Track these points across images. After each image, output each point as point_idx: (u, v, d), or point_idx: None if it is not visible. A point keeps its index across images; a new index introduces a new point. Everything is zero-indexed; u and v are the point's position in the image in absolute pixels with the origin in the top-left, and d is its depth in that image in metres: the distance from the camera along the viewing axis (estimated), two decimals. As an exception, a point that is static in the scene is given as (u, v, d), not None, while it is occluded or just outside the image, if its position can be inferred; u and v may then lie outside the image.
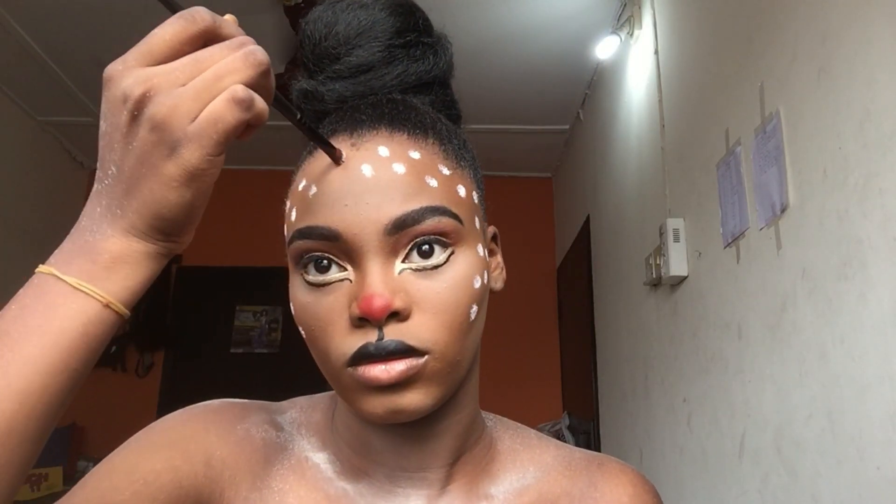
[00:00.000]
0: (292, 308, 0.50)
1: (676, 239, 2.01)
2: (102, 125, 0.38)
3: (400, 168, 0.47)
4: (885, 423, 1.07)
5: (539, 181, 4.31)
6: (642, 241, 2.39)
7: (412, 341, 0.45)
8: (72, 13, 2.78)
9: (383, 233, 0.45)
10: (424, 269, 0.46)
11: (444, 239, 0.46)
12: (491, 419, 0.59)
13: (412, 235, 0.46)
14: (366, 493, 0.52)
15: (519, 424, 0.60)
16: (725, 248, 1.70)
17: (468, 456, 0.54)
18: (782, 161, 1.41)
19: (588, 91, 3.32)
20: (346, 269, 0.46)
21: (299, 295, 0.49)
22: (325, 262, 0.47)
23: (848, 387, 1.18)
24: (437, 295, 0.46)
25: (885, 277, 1.09)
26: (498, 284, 0.54)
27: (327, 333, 0.46)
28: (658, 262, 2.12)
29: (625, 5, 2.67)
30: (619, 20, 2.71)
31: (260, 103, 0.37)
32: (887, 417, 1.07)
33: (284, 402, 0.58)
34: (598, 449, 2.97)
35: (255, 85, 0.37)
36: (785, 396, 1.40)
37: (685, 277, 2.00)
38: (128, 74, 0.36)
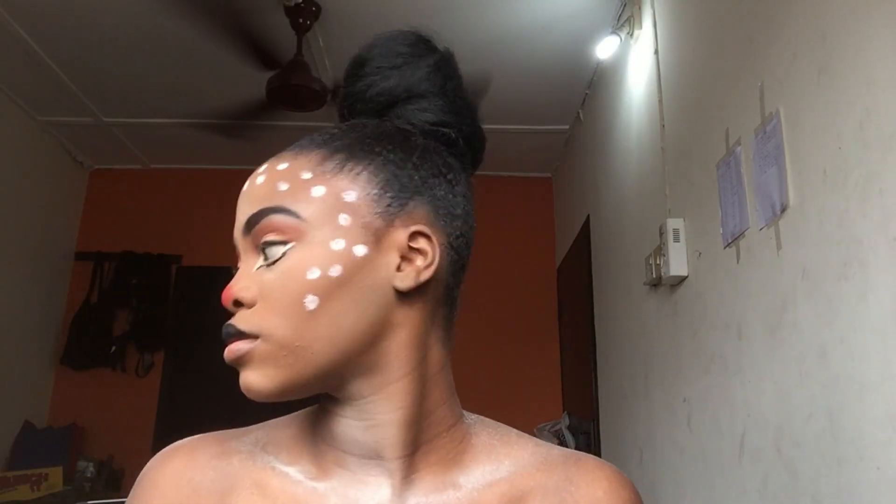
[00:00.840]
0: None
1: (676, 239, 2.01)
2: None
3: (260, 179, 0.55)
4: (885, 423, 1.07)
5: (539, 181, 4.31)
6: (642, 241, 2.39)
7: (242, 325, 0.51)
8: (72, 13, 2.78)
9: (242, 234, 0.54)
10: (268, 265, 0.52)
11: (279, 237, 0.52)
12: (472, 417, 0.60)
13: (258, 234, 0.53)
14: (338, 486, 0.53)
15: (501, 424, 0.61)
16: (725, 248, 1.70)
17: (430, 447, 0.55)
18: (782, 161, 1.41)
19: (588, 91, 3.32)
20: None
21: None
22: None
23: (848, 387, 1.18)
24: (270, 284, 0.51)
25: (885, 277, 1.09)
26: (400, 283, 0.53)
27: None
28: (658, 262, 2.12)
29: (625, 5, 2.67)
30: (619, 20, 2.71)
31: None
32: (887, 417, 1.07)
33: (251, 427, 0.60)
34: (598, 449, 2.97)
35: None
36: (785, 396, 1.40)
37: (685, 277, 2.00)
38: None
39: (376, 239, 0.53)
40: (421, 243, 0.54)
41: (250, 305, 0.52)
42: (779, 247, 1.43)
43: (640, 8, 2.57)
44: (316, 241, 0.52)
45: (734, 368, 1.65)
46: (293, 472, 0.55)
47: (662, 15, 2.31)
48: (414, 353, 0.54)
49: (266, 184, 0.54)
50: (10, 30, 2.86)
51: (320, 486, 0.53)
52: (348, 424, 0.54)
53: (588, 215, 3.33)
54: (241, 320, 0.52)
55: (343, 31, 2.84)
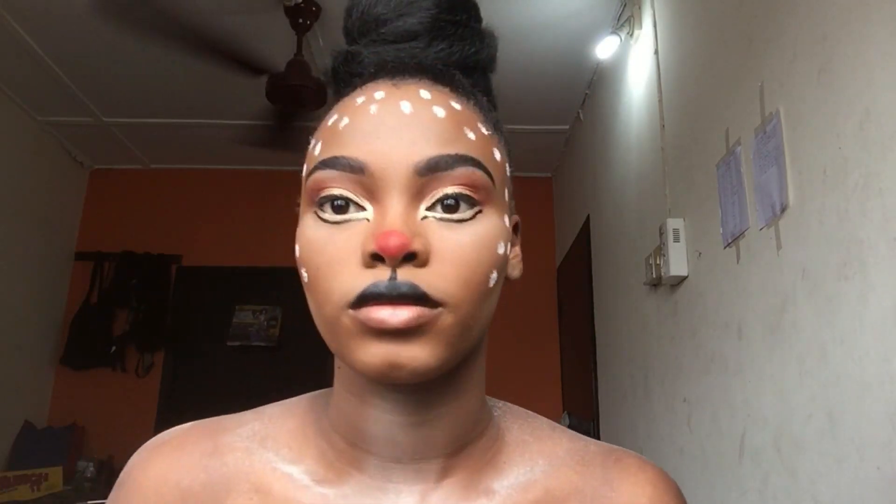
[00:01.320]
0: (297, 249, 0.46)
1: (676, 239, 2.01)
2: None
3: (440, 112, 0.45)
4: (885, 423, 1.07)
5: (539, 181, 4.31)
6: (642, 241, 2.39)
7: (427, 288, 0.41)
8: (72, 13, 2.78)
9: (413, 172, 0.43)
10: (449, 220, 0.43)
11: (473, 196, 0.44)
12: (499, 407, 0.54)
13: (442, 181, 0.43)
14: (350, 494, 0.47)
15: (530, 413, 0.55)
16: (725, 248, 1.70)
17: (471, 448, 0.49)
18: (782, 161, 1.41)
19: (588, 91, 3.32)
20: (365, 210, 0.44)
21: (308, 231, 0.45)
22: (344, 202, 0.44)
23: (848, 387, 1.18)
24: (460, 247, 0.43)
25: (885, 277, 1.09)
26: (515, 272, 0.51)
27: (333, 271, 0.43)
28: (658, 262, 2.12)
29: (625, 5, 2.67)
30: (619, 20, 2.71)
31: None
32: (887, 417, 1.07)
33: (247, 413, 0.52)
34: (598, 449, 2.96)
35: None
36: (785, 396, 1.40)
37: (685, 277, 2.00)
38: None
39: (510, 218, 0.49)
40: (514, 237, 0.51)
41: (423, 263, 0.42)
42: (779, 247, 1.43)
43: (640, 8, 2.57)
44: (498, 212, 0.46)
45: (734, 368, 1.65)
46: (297, 472, 0.48)
47: (662, 15, 2.31)
48: (486, 333, 0.49)
49: (450, 121, 0.45)
50: (10, 30, 2.86)
51: (330, 492, 0.47)
52: (388, 422, 0.47)
53: (588, 215, 3.33)
54: (422, 280, 0.41)
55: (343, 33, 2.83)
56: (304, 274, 0.45)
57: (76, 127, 3.74)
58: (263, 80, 2.59)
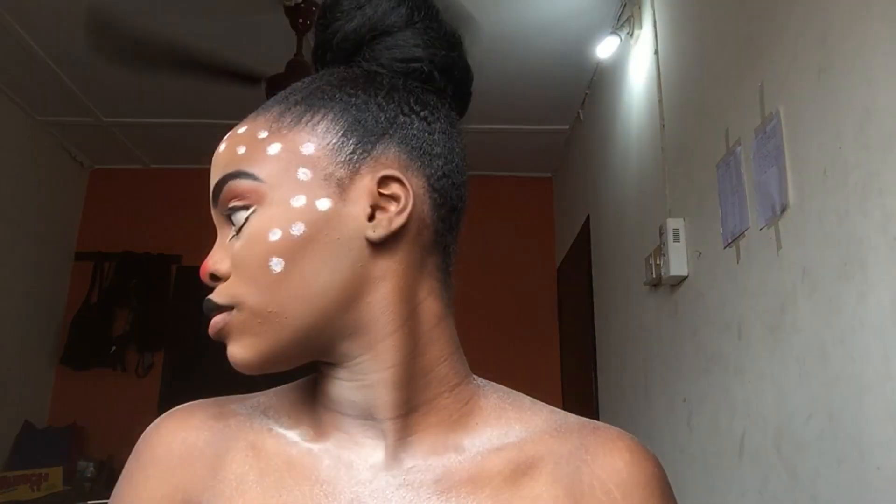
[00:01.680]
0: None
1: (676, 239, 2.01)
2: None
3: (222, 147, 0.53)
4: (885, 423, 1.07)
5: (539, 181, 4.31)
6: (642, 241, 2.39)
7: (218, 298, 0.51)
8: (72, 13, 2.78)
9: (212, 207, 0.53)
10: (235, 236, 0.51)
11: (241, 202, 0.50)
12: (483, 382, 0.56)
13: (223, 203, 0.51)
14: (332, 448, 0.51)
15: (514, 391, 0.57)
16: (725, 248, 1.70)
17: (429, 407, 0.52)
18: (782, 161, 1.41)
19: (588, 91, 3.32)
20: None
21: None
22: None
23: (848, 387, 1.18)
24: (238, 253, 0.50)
25: (885, 277, 1.09)
26: (374, 233, 0.49)
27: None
28: (658, 262, 2.12)
29: (625, 5, 2.67)
30: (619, 20, 2.71)
31: None
32: (887, 417, 1.07)
33: (256, 393, 0.58)
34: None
35: None
36: (785, 396, 1.40)
37: (685, 277, 2.00)
38: None
39: (341, 190, 0.49)
40: (393, 188, 0.50)
41: (225, 278, 0.51)
42: (779, 247, 1.43)
43: (640, 8, 2.57)
44: (276, 202, 0.49)
45: (734, 368, 1.65)
46: (291, 434, 0.53)
47: (662, 15, 2.31)
48: (401, 308, 0.51)
49: (227, 150, 0.52)
50: (10, 30, 2.86)
51: (315, 447, 0.52)
52: (342, 385, 0.52)
53: (588, 215, 3.33)
54: (217, 293, 0.51)
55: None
56: None
57: (76, 127, 3.74)
58: (262, 87, 2.59)
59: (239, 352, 0.50)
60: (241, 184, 0.50)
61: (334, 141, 0.50)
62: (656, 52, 2.32)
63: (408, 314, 0.51)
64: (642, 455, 0.51)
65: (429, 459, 0.50)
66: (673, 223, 2.02)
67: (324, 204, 0.49)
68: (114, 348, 3.90)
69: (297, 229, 0.48)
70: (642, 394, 2.43)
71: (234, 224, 0.51)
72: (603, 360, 3.04)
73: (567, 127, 3.70)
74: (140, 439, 0.55)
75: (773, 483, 1.43)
